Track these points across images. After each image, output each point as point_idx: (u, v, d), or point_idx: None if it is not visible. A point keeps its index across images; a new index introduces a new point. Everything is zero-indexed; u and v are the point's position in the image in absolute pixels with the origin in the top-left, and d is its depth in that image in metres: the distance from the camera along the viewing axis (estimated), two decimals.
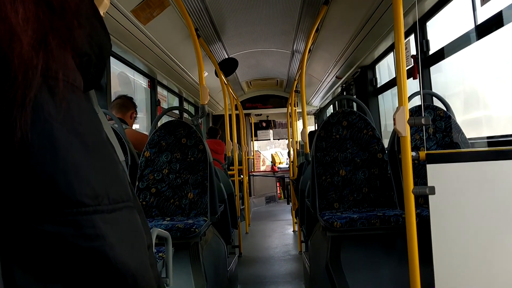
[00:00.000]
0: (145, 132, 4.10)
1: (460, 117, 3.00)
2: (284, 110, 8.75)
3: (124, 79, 4.62)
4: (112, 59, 3.76)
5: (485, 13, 2.61)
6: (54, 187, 0.41)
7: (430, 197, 1.72)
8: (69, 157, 0.42)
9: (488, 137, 2.89)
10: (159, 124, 3.33)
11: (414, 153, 1.74)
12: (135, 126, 4.18)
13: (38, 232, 0.41)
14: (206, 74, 4.87)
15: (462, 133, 2.83)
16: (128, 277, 0.47)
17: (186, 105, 6.85)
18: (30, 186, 0.40)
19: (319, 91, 7.35)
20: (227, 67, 5.67)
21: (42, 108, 0.41)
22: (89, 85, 0.52)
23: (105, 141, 0.49)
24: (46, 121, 0.41)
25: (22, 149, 0.40)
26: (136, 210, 0.52)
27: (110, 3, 1.25)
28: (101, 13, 1.26)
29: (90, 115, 0.48)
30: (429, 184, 1.73)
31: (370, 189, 2.87)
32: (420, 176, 2.78)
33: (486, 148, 2.37)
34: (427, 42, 3.39)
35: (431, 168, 1.74)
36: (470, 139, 2.86)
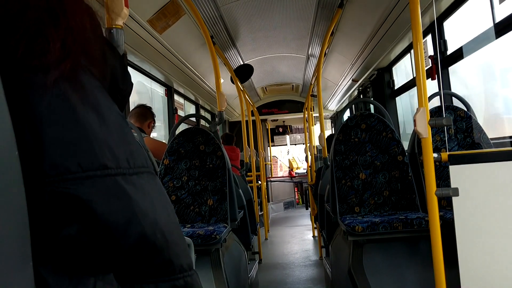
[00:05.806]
0: (163, 141, 4.13)
1: None
2: (300, 115, 8.73)
3: (142, 88, 4.67)
4: (129, 69, 3.80)
5: (504, 11, 2.57)
6: (79, 150, 0.44)
7: (453, 199, 1.69)
8: (88, 125, 0.46)
9: (511, 137, 2.84)
10: (177, 132, 3.35)
11: (436, 155, 1.71)
12: (153, 135, 4.21)
13: (69, 196, 0.43)
14: (222, 81, 4.88)
15: (484, 133, 2.78)
16: (157, 232, 0.49)
17: (202, 112, 6.89)
18: (60, 151, 0.43)
19: (335, 95, 7.32)
20: (243, 73, 5.69)
21: (62, 83, 0.46)
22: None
23: (122, 118, 0.52)
24: (65, 94, 0.45)
25: (47, 115, 0.43)
26: (157, 177, 0.55)
27: None
28: (121, 23, 1.28)
29: (103, 95, 0.51)
30: (452, 186, 1.70)
31: (391, 192, 2.83)
32: (442, 178, 2.73)
33: (511, 148, 2.32)
34: (444, 42, 3.35)
35: (454, 170, 1.71)
36: (492, 139, 2.81)
